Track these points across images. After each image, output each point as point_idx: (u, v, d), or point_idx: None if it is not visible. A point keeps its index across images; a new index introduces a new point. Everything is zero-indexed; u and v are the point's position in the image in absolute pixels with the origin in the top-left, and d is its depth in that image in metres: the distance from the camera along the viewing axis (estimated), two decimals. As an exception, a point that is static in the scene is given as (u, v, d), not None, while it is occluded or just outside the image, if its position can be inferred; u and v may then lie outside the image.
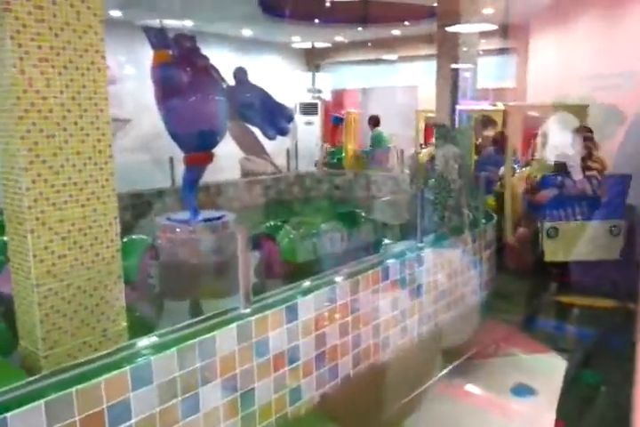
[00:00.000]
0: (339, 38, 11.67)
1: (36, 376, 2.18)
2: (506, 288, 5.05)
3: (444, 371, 3.55)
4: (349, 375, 3.40)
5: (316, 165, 10.57)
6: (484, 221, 4.99)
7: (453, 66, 6.06)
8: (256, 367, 2.79)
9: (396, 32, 10.79)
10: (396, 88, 12.27)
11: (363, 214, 5.71)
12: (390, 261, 3.75)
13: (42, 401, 1.97)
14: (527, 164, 6.31)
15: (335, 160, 10.65)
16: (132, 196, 7.69)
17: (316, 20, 9.15)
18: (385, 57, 12.13)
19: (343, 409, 3.24)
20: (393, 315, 3.74)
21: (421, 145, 9.88)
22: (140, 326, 3.83)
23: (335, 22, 9.33)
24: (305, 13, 8.61)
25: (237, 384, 2.71)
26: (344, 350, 3.35)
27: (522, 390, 3.37)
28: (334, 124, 11.48)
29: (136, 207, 7.54)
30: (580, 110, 5.47)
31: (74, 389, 2.06)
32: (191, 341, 2.48)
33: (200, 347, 2.51)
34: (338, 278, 3.36)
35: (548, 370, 3.62)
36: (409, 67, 11.75)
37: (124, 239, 4.78)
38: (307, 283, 3.30)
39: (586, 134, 5.18)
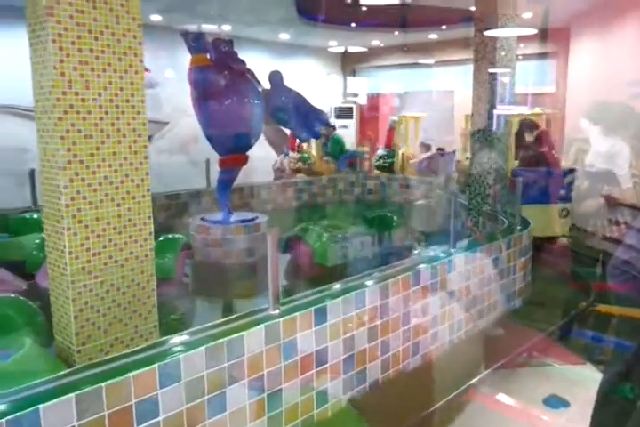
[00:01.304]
0: (375, 42, 11.65)
1: (68, 370, 2.23)
2: (541, 296, 4.93)
3: (475, 379, 3.49)
4: (378, 380, 3.37)
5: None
6: (519, 227, 4.89)
7: (491, 70, 5.97)
8: (283, 369, 2.80)
9: (433, 36, 10.72)
10: (432, 92, 12.16)
11: (395, 218, 5.67)
12: (421, 267, 3.71)
13: (72, 395, 2.01)
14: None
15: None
16: (170, 196, 7.84)
17: (353, 25, 9.15)
18: (422, 61, 12.05)
19: (371, 415, 3.21)
20: (423, 321, 3.69)
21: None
22: (173, 323, 3.89)
23: (372, 26, 9.32)
24: (342, 18, 8.63)
25: (264, 385, 2.72)
26: (373, 355, 3.32)
27: (554, 402, 3.28)
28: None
29: (173, 208, 7.68)
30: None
31: (104, 384, 2.10)
32: (219, 340, 2.50)
33: (228, 346, 2.53)
34: (368, 282, 3.35)
35: (583, 382, 3.51)
36: (446, 71, 11.64)
37: (161, 238, 4.89)
38: (336, 286, 3.29)
39: None
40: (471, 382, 3.44)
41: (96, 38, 2.75)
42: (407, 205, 8.57)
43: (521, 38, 6.19)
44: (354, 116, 12.53)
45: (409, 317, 3.57)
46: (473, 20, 5.98)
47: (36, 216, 5.57)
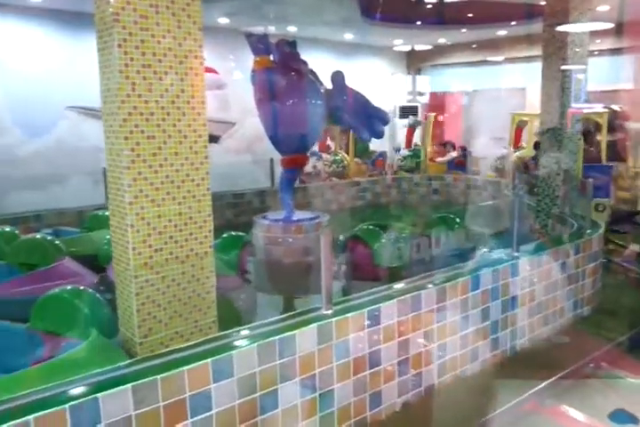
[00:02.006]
0: (442, 40, 11.44)
1: (126, 362, 2.32)
2: (612, 304, 4.68)
3: (536, 388, 3.35)
4: (434, 385, 3.31)
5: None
6: (589, 231, 4.66)
7: (562, 67, 5.72)
8: (336, 369, 2.80)
9: (501, 32, 10.39)
10: (502, 90, 11.81)
11: (457, 220, 5.54)
12: (482, 270, 3.60)
13: (129, 385, 2.10)
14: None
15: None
16: (235, 195, 8.03)
17: (419, 23, 9.02)
18: (490, 58, 11.71)
19: (426, 419, 3.16)
20: (483, 326, 3.59)
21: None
22: (233, 319, 3.97)
23: (438, 24, 9.15)
24: (407, 16, 8.52)
25: (316, 384, 2.73)
26: (428, 359, 3.26)
27: (621, 417, 3.10)
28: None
29: (237, 206, 7.87)
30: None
31: (159, 376, 2.17)
32: (271, 338, 2.53)
33: (280, 345, 2.56)
34: (425, 285, 3.29)
35: (655, 397, 3.31)
36: (516, 68, 11.26)
37: (224, 235, 5.01)
38: (391, 288, 3.26)
39: None
40: (532, 391, 3.31)
41: (158, 42, 2.85)
42: (472, 206, 8.36)
43: (594, 33, 5.90)
44: (419, 116, 12.35)
45: (467, 321, 3.48)
46: (543, 15, 5.75)
47: (107, 213, 5.84)
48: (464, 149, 10.65)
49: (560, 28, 5.65)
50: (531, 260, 3.94)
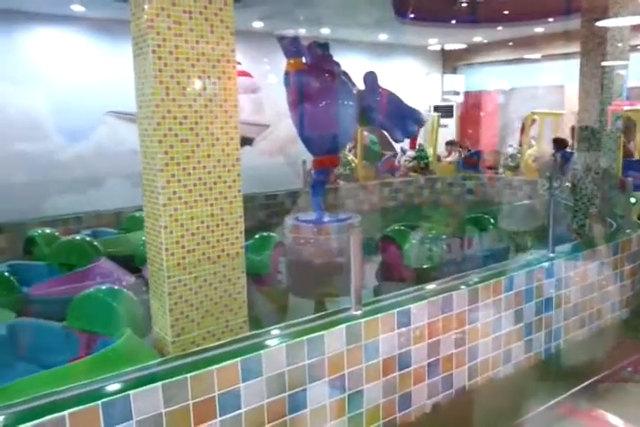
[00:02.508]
0: (477, 39, 11.28)
1: (157, 360, 2.38)
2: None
3: (571, 392, 3.28)
4: (465, 387, 3.27)
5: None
6: (628, 231, 4.53)
7: (602, 63, 5.57)
8: (365, 370, 2.80)
9: (539, 29, 10.18)
10: (540, 88, 11.58)
11: (492, 220, 5.46)
12: (516, 271, 3.55)
13: (160, 383, 2.15)
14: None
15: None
16: (268, 196, 8.11)
17: (454, 21, 8.92)
18: (527, 56, 11.50)
19: (456, 422, 3.13)
20: (516, 328, 3.53)
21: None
22: (264, 318, 4.02)
23: (473, 22, 9.02)
24: (441, 15, 8.44)
25: (345, 385, 2.73)
26: (460, 361, 3.23)
27: (660, 423, 3.01)
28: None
29: (270, 207, 7.93)
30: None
31: (188, 375, 2.22)
32: (300, 338, 2.55)
33: (309, 345, 2.57)
34: (456, 286, 3.26)
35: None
36: (554, 65, 11.02)
37: (257, 236, 5.08)
38: (422, 289, 3.24)
39: None
40: (567, 394, 3.24)
41: (192, 47, 2.91)
42: (508, 206, 8.23)
43: (636, 27, 5.73)
44: (454, 115, 12.21)
45: (500, 323, 3.43)
46: (581, 10, 5.62)
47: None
48: (468, 148, 10.54)
49: (599, 24, 5.51)
50: (567, 261, 3.85)
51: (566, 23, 8.17)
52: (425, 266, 4.90)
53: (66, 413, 1.93)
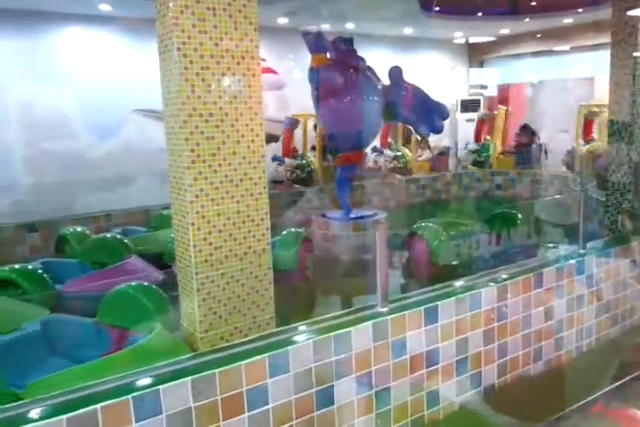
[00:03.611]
0: (504, 31, 11.09)
1: (186, 356, 2.40)
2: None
3: (604, 390, 3.21)
4: (494, 385, 3.23)
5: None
6: (663, 226, 4.42)
7: (634, 54, 5.42)
8: (392, 367, 2.78)
9: (568, 20, 9.96)
10: (569, 81, 11.35)
11: (520, 216, 5.38)
12: (546, 268, 3.48)
13: (189, 378, 2.17)
14: None
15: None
16: (294, 193, 8.13)
17: (480, 14, 8.78)
18: (556, 48, 11.26)
19: (485, 420, 3.10)
20: (546, 325, 3.48)
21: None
22: (291, 314, 4.04)
23: (500, 14, 8.87)
24: (467, 7, 8.32)
25: (373, 382, 2.72)
26: (489, 358, 3.19)
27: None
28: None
29: (296, 203, 7.96)
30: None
31: (217, 370, 2.23)
32: (327, 334, 2.55)
33: (335, 341, 2.57)
34: (484, 283, 3.22)
35: None
36: (584, 57, 10.77)
37: (284, 232, 5.10)
38: (449, 286, 3.21)
39: None
40: (599, 393, 3.17)
41: (216, 44, 2.92)
42: (536, 201, 8.09)
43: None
44: (481, 109, 12.04)
45: (530, 320, 3.38)
46: (612, 0, 5.47)
47: (172, 212, 6.05)
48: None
49: (631, 13, 5.36)
50: (598, 257, 3.77)
51: (596, 13, 7.97)
52: (452, 262, 4.85)
53: (98, 406, 1.97)
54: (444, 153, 10.20)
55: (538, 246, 5.17)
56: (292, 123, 8.97)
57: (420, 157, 10.08)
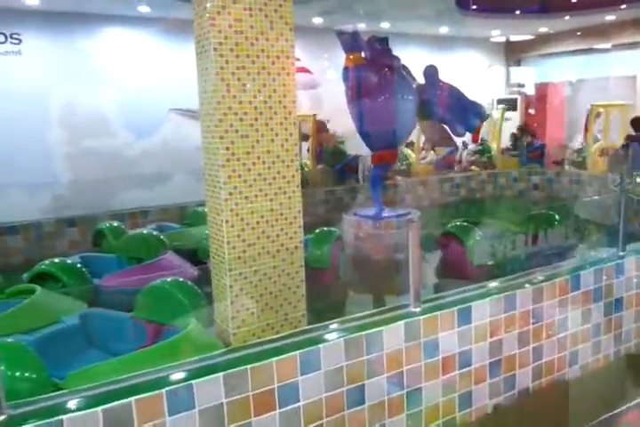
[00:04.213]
0: (543, 29, 10.86)
1: (218, 351, 2.43)
2: None
3: (642, 398, 3.12)
4: (528, 389, 3.17)
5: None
6: None
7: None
8: (424, 367, 2.76)
9: (609, 18, 9.69)
10: (610, 79, 11.05)
11: (557, 216, 5.26)
12: (583, 270, 3.40)
13: (221, 374, 2.19)
14: None
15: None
16: (327, 192, 8.14)
17: (518, 12, 8.62)
18: (597, 46, 10.97)
19: (518, 424, 3.04)
20: (583, 329, 3.39)
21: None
22: (324, 311, 4.06)
23: (538, 12, 8.68)
24: (504, 5, 8.18)
25: (404, 382, 2.71)
26: (523, 361, 3.14)
27: None
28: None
29: (329, 202, 7.97)
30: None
31: (249, 366, 2.25)
32: (358, 333, 2.54)
33: (367, 340, 2.56)
34: (519, 284, 3.16)
35: None
36: (626, 55, 10.47)
37: (317, 230, 5.12)
38: (484, 286, 3.16)
39: None
40: (637, 400, 3.08)
41: (252, 44, 2.95)
42: (575, 202, 7.91)
43: None
44: (518, 108, 11.84)
45: (566, 324, 3.31)
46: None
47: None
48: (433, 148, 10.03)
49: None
50: (638, 259, 3.66)
51: (638, 10, 7.75)
52: (488, 263, 4.77)
53: (132, 399, 2.01)
54: (449, 154, 10.04)
55: (576, 248, 5.05)
56: None
57: (423, 159, 9.83)
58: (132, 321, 3.45)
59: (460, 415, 2.92)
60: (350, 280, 5.11)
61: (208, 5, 2.84)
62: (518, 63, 12.69)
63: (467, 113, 5.83)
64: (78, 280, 4.36)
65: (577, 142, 9.81)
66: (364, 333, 2.55)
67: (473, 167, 9.97)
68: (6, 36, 7.84)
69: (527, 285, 3.16)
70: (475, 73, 11.79)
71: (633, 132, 8.28)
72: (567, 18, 9.49)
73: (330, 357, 2.46)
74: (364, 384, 2.58)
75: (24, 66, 7.93)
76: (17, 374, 2.67)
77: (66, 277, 4.30)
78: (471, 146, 10.21)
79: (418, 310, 2.78)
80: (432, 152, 9.80)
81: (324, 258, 4.90)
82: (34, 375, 2.70)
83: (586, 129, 9.41)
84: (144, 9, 8.05)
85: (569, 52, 11.51)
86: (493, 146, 10.10)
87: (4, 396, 1.93)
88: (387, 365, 2.64)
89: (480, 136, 9.95)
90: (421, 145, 9.70)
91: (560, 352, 3.30)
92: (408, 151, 9.69)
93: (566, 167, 9.77)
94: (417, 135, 9.92)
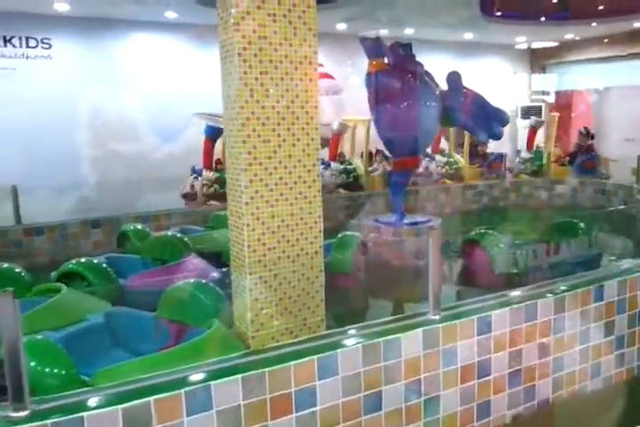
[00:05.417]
0: (569, 36, 10.75)
1: (237, 354, 2.45)
2: None
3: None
4: (549, 400, 3.13)
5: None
6: None
7: None
8: (442, 376, 2.74)
9: (638, 24, 9.55)
10: (638, 88, 10.88)
11: (582, 225, 5.18)
12: (607, 281, 3.35)
13: (239, 376, 2.21)
14: None
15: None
16: (347, 198, 8.16)
17: (543, 18, 8.54)
18: (624, 53, 10.81)
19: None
20: (606, 341, 3.34)
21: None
22: (342, 316, 4.07)
23: (564, 19, 8.59)
24: (530, 12, 8.12)
25: (421, 389, 2.69)
26: (543, 372, 3.09)
27: None
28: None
29: (349, 208, 7.98)
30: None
31: (267, 369, 2.27)
32: (376, 339, 2.54)
33: (385, 346, 2.56)
34: (541, 294, 3.12)
35: None
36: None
37: (340, 235, 5.13)
38: (505, 295, 3.13)
39: None
40: (662, 415, 3.02)
41: (275, 49, 2.97)
42: (600, 211, 7.79)
43: None
44: (542, 116, 11.72)
45: (589, 335, 3.25)
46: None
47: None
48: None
49: None
50: (665, 271, 3.59)
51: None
52: (511, 271, 4.72)
53: (152, 398, 2.03)
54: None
55: (600, 258, 4.96)
56: (215, 132, 7.73)
57: (374, 171, 9.38)
58: (155, 321, 3.50)
59: (478, 425, 2.89)
60: (371, 285, 5.11)
61: (232, 11, 2.88)
62: (543, 70, 12.57)
63: (490, 120, 5.79)
64: (104, 280, 4.43)
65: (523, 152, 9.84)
66: (382, 339, 2.55)
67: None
68: (37, 41, 8.03)
69: (549, 294, 3.12)
70: (499, 80, 11.71)
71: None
72: (594, 24, 9.38)
73: (347, 362, 2.46)
74: (381, 391, 2.57)
75: (54, 70, 8.11)
76: (47, 370, 2.73)
77: (92, 276, 4.37)
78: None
79: (437, 317, 2.77)
80: (384, 163, 9.55)
81: (347, 262, 4.91)
82: (63, 372, 2.76)
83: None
84: (171, 15, 8.18)
85: (595, 60, 11.37)
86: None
87: (29, 391, 1.97)
88: (404, 372, 2.63)
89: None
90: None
91: (582, 364, 3.25)
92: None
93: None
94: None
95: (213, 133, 7.73)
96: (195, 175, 7.75)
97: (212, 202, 7.61)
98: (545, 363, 3.09)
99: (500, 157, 9.91)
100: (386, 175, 8.85)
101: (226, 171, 3.28)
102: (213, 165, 7.89)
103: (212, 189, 7.64)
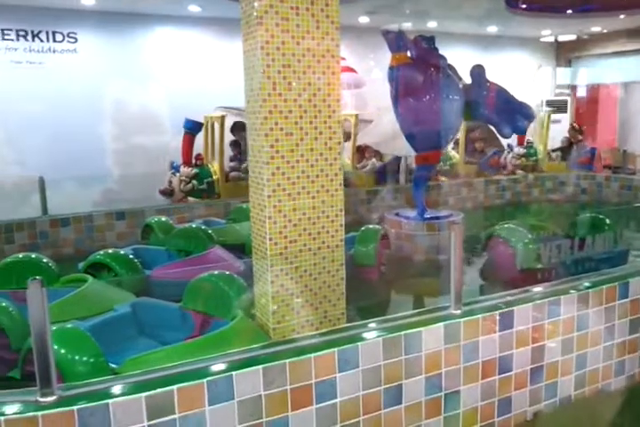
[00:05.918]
0: (595, 29, 10.53)
1: (258, 345, 2.47)
2: None
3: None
4: (570, 397, 3.10)
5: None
6: None
7: None
8: (463, 370, 2.73)
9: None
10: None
11: (608, 221, 5.08)
12: (632, 277, 3.30)
13: (260, 367, 2.23)
14: None
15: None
16: (369, 192, 8.14)
17: (569, 11, 8.38)
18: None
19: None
20: (631, 338, 3.29)
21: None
22: (365, 307, 4.07)
23: (591, 11, 8.42)
24: (555, 4, 7.97)
25: (442, 384, 2.69)
26: (566, 369, 3.07)
27: None
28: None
29: (371, 202, 7.96)
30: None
31: (287, 361, 2.29)
32: (397, 333, 2.54)
33: (406, 340, 2.56)
34: (565, 290, 3.09)
35: None
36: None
37: (363, 228, 5.14)
38: (528, 291, 3.10)
39: None
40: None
41: (298, 43, 2.97)
42: (627, 207, 7.65)
43: None
44: (568, 110, 11.53)
45: (613, 332, 3.21)
46: None
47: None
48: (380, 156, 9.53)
49: None
50: (693, 268, 3.52)
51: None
52: (536, 266, 4.65)
53: (174, 387, 2.07)
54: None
55: (627, 254, 4.87)
56: (195, 126, 7.65)
57: (363, 167, 9.13)
58: (180, 311, 3.55)
59: (499, 421, 2.88)
60: (393, 279, 5.11)
61: (256, 4, 2.88)
62: (568, 64, 12.35)
63: (514, 115, 5.72)
64: (131, 271, 4.49)
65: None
66: (402, 333, 2.55)
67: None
68: (63, 35, 8.15)
69: (572, 291, 3.08)
70: (523, 73, 11.54)
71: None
72: (622, 17, 9.18)
73: (368, 355, 2.47)
74: (401, 384, 2.57)
75: (80, 63, 8.22)
76: (77, 358, 2.79)
77: (119, 267, 4.44)
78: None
79: (458, 312, 2.76)
80: (373, 160, 9.40)
81: (370, 255, 4.91)
82: (92, 360, 2.82)
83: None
84: (194, 8, 8.22)
85: (623, 53, 11.13)
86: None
87: (56, 378, 2.02)
88: (425, 366, 2.63)
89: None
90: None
91: (605, 361, 3.21)
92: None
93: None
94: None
95: (193, 128, 7.66)
96: (172, 171, 7.62)
97: (190, 198, 7.56)
98: (568, 360, 3.06)
99: (498, 153, 9.77)
100: (376, 171, 8.83)
101: (248, 164, 3.30)
102: (193, 161, 7.74)
103: (189, 186, 7.54)
